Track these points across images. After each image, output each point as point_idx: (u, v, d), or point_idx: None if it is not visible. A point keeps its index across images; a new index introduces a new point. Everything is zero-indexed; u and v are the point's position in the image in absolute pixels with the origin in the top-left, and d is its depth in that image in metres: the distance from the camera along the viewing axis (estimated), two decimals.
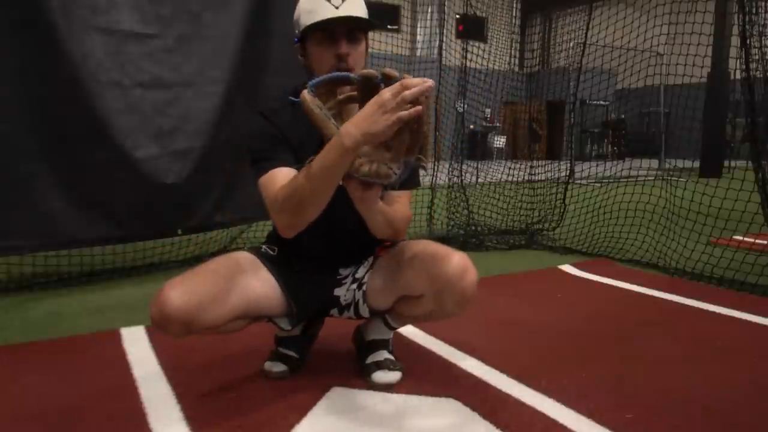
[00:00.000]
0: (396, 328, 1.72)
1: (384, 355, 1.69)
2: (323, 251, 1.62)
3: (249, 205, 3.07)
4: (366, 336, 1.74)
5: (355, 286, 1.62)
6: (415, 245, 1.54)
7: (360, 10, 1.48)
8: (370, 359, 1.68)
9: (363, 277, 1.61)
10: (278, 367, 1.68)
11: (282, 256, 1.61)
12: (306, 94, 1.26)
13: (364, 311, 1.62)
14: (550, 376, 1.70)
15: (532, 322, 2.22)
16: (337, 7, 1.44)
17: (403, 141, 1.23)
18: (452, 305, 1.47)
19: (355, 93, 1.32)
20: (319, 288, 1.62)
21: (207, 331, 1.42)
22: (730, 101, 9.61)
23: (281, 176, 1.39)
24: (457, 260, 1.44)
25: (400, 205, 1.53)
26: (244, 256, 1.57)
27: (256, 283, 1.51)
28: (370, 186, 1.28)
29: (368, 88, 1.26)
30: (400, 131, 1.20)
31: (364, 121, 1.18)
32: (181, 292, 1.34)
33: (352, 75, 1.30)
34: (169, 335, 1.37)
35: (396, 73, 1.22)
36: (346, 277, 1.64)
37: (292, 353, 1.72)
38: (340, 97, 1.33)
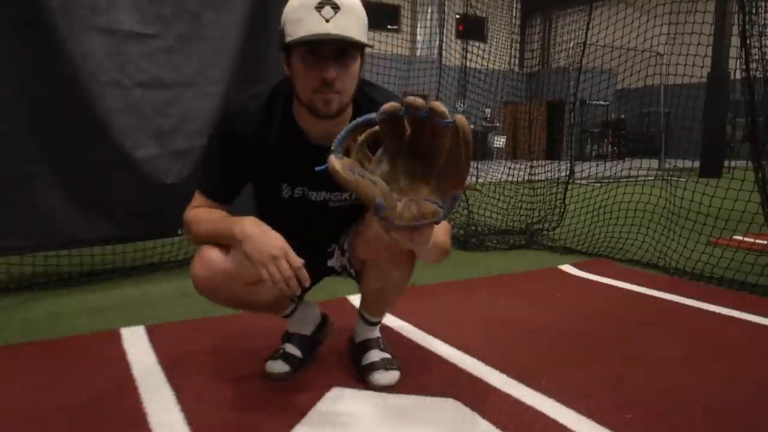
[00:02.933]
0: (375, 322, 1.72)
1: (377, 354, 1.68)
2: (307, 242, 1.64)
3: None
4: (355, 339, 1.75)
5: (339, 253, 1.65)
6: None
7: (354, 24, 1.29)
8: (365, 361, 1.67)
9: (344, 243, 1.64)
10: (281, 367, 1.67)
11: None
12: (334, 160, 1.11)
13: (353, 273, 1.66)
14: (550, 376, 1.70)
15: (532, 322, 2.22)
16: (327, 20, 1.25)
17: (447, 175, 1.11)
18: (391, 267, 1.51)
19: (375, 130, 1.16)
20: (311, 260, 1.63)
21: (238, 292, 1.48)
22: (730, 101, 9.61)
23: (200, 203, 1.52)
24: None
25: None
26: None
27: None
28: (420, 229, 1.15)
29: (392, 123, 1.11)
30: (441, 164, 1.10)
31: (258, 239, 1.30)
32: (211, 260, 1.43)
33: (373, 116, 1.13)
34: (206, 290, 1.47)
35: (421, 102, 1.07)
36: (335, 249, 1.67)
37: (296, 353, 1.71)
38: (360, 139, 1.16)
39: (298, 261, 1.29)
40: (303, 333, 1.75)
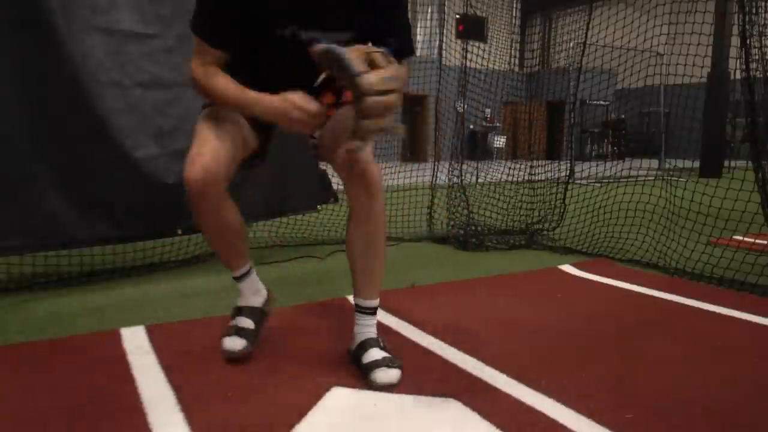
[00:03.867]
0: (370, 309, 1.72)
1: (378, 353, 1.68)
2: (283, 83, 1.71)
3: (248, 205, 3.06)
4: (355, 340, 1.74)
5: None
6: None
7: None
8: (366, 359, 1.67)
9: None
10: (238, 344, 1.74)
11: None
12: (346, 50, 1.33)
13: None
14: (550, 376, 1.70)
15: (532, 322, 2.22)
16: None
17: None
18: (357, 188, 1.59)
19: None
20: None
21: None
22: (730, 101, 9.62)
23: (202, 55, 1.56)
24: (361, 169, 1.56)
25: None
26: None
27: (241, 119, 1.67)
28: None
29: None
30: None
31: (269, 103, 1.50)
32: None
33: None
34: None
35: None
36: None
37: (249, 324, 1.79)
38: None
39: (311, 104, 1.51)
40: (254, 305, 1.83)
